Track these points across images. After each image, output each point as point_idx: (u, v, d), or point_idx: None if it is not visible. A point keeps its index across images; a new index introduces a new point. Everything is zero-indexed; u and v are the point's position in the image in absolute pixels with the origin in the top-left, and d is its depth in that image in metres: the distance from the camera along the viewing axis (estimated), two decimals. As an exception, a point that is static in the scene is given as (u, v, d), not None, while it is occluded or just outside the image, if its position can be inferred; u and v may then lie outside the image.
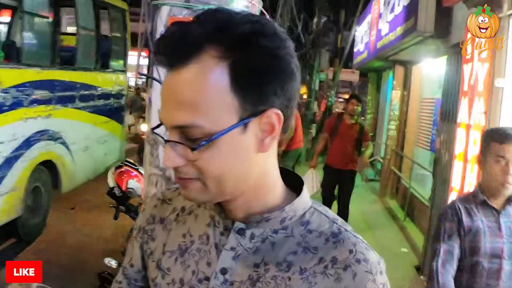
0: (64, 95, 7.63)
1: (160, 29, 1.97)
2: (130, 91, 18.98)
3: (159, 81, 1.89)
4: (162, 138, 1.00)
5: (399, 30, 7.83)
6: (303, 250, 1.05)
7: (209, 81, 0.94)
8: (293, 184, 1.14)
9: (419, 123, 9.98)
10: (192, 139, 0.95)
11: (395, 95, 11.35)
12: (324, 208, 1.13)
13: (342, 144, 7.68)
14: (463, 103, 4.64)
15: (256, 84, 0.95)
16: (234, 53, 0.94)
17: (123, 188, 4.11)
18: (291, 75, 0.98)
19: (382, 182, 11.57)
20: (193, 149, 0.95)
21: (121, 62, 10.60)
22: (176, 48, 0.95)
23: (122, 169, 4.21)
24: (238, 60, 0.94)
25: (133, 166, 4.26)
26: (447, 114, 5.88)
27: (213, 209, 1.11)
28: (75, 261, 5.93)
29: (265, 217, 1.05)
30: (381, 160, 12.76)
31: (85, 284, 4.84)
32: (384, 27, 9.37)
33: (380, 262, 1.05)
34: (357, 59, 14.59)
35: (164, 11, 1.98)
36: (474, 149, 4.36)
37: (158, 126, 1.05)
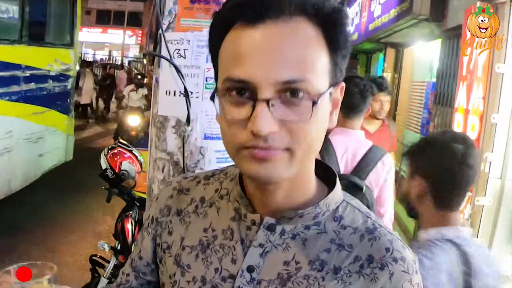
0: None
1: (169, 6, 1.89)
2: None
3: (169, 60, 1.81)
4: (255, 97, 0.87)
5: (393, 12, 7.75)
6: (337, 248, 0.99)
7: (313, 38, 0.89)
8: (324, 175, 1.08)
9: (410, 106, 9.94)
10: (294, 101, 0.87)
11: (386, 77, 11.30)
12: (356, 202, 1.07)
13: None
14: (462, 88, 4.60)
15: (343, 54, 0.94)
16: (321, 20, 0.90)
17: (116, 170, 4.03)
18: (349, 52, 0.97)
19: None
20: (309, 105, 0.87)
21: (66, 35, 8.49)
22: (275, 2, 0.87)
23: (115, 150, 4.11)
24: (330, 30, 0.91)
25: (126, 147, 4.17)
26: (441, 98, 5.86)
27: (240, 201, 1.04)
28: (65, 242, 5.87)
29: (299, 213, 0.99)
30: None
31: (76, 267, 4.78)
32: (377, 9, 9.29)
33: (416, 261, 1.01)
34: (347, 41, 14.51)
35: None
36: (472, 134, 4.35)
37: (214, 94, 0.94)
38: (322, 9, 0.89)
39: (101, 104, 18.84)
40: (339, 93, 0.98)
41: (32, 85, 7.07)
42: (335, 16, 0.91)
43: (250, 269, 0.99)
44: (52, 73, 7.76)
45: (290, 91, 0.86)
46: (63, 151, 8.43)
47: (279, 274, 0.98)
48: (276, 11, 0.86)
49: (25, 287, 0.94)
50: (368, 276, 0.96)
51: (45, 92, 7.56)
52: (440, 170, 1.90)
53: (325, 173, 1.08)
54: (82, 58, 32.52)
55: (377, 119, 4.62)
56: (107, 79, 19.07)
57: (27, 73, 6.88)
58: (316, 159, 1.06)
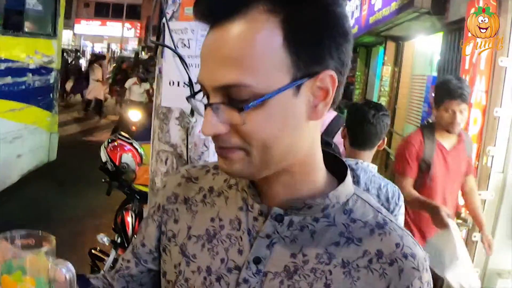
0: None
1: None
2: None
3: (173, 50, 1.78)
4: (202, 102, 0.91)
5: (394, 5, 7.73)
6: (346, 241, 0.96)
7: (259, 35, 0.84)
8: (335, 168, 1.05)
9: (410, 100, 9.94)
10: (238, 101, 0.85)
11: (386, 71, 11.31)
12: (367, 196, 1.04)
13: None
14: (464, 81, 4.59)
15: (311, 41, 0.86)
16: (286, 8, 0.85)
17: (117, 162, 4.01)
18: (346, 35, 0.90)
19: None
20: (240, 110, 0.85)
21: (47, 24, 7.74)
22: (221, 1, 0.86)
23: (116, 143, 4.10)
24: (290, 14, 0.85)
25: (126, 140, 4.16)
26: (442, 92, 5.83)
27: (248, 191, 1.02)
28: (66, 235, 5.86)
29: (308, 203, 0.96)
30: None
31: (76, 260, 4.77)
32: (377, 2, 9.26)
33: (427, 258, 0.97)
34: (347, 34, 14.50)
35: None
36: (475, 128, 4.35)
37: (196, 93, 0.96)
38: None
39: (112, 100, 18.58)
40: (327, 82, 0.89)
41: (9, 79, 6.45)
42: None
43: (257, 260, 0.97)
44: (32, 66, 7.05)
45: (231, 95, 0.86)
46: (46, 150, 7.76)
47: (285, 266, 0.96)
48: (222, 7, 0.86)
49: (20, 257, 0.91)
50: (376, 271, 0.94)
51: (23, 87, 6.86)
52: (353, 123, 2.80)
53: (336, 165, 1.06)
54: (91, 52, 32.53)
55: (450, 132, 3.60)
56: (119, 73, 18.74)
57: (2, 66, 6.27)
58: (327, 151, 1.04)
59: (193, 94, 0.97)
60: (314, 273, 0.94)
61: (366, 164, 2.71)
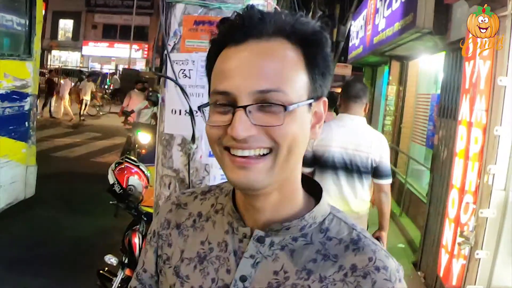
0: None
1: (175, 28, 1.94)
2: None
3: (174, 81, 1.86)
4: (235, 105, 0.98)
5: (397, 25, 7.82)
6: (323, 258, 1.05)
7: (290, 56, 0.99)
8: (311, 189, 1.15)
9: (415, 119, 9.98)
10: (273, 105, 0.97)
11: (391, 90, 11.37)
12: (343, 214, 1.14)
13: None
14: (465, 101, 4.64)
15: (322, 71, 1.03)
16: (305, 45, 1.01)
17: (124, 185, 4.08)
18: (331, 69, 1.06)
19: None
20: (284, 109, 0.96)
21: (20, 44, 6.83)
22: (257, 25, 0.99)
23: (123, 166, 4.17)
24: (308, 49, 1.01)
25: (133, 162, 4.23)
26: (445, 110, 5.89)
27: (232, 215, 1.12)
28: (74, 257, 5.91)
29: (285, 225, 1.06)
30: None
31: (85, 281, 4.82)
32: (381, 23, 9.36)
33: (399, 270, 1.06)
34: (352, 54, 14.58)
35: (179, 9, 1.96)
36: (476, 146, 4.39)
37: (207, 105, 1.04)
38: (301, 32, 1.01)
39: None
40: (322, 108, 1.07)
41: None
42: (313, 38, 1.02)
43: (243, 278, 1.06)
44: (0, 91, 6.13)
45: (266, 99, 0.96)
46: (21, 185, 6.75)
47: (269, 283, 1.05)
48: (257, 33, 0.99)
49: None
50: (351, 284, 1.02)
51: None
52: (344, 92, 4.38)
53: (312, 187, 1.15)
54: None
55: None
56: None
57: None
58: (303, 174, 1.13)
59: (203, 105, 1.05)
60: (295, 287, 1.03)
61: (355, 117, 4.22)
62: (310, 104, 1.02)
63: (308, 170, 4.17)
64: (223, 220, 1.14)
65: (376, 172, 4.13)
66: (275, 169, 0.98)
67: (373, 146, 4.07)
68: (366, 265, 1.03)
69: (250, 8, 1.02)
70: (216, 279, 1.09)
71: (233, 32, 1.00)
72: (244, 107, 0.95)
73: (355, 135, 4.11)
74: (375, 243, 1.07)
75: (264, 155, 0.97)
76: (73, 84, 23.34)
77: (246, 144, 0.96)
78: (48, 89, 21.00)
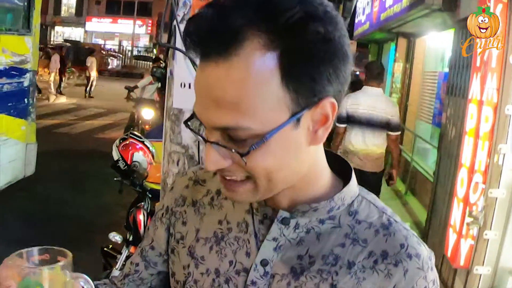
0: None
1: (182, 2, 1.87)
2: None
3: (184, 52, 1.79)
4: (203, 138, 0.89)
5: (405, 2, 7.72)
6: (352, 242, 0.98)
7: (255, 76, 0.81)
8: (340, 169, 1.06)
9: (422, 96, 9.91)
10: (238, 140, 0.85)
11: (398, 67, 11.28)
12: (372, 197, 1.06)
13: None
14: (475, 79, 4.57)
15: (310, 74, 0.83)
16: (283, 41, 0.81)
17: (128, 161, 4.03)
18: (345, 57, 0.86)
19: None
20: (242, 155, 0.85)
21: (18, 18, 6.56)
22: (213, 36, 0.81)
23: (127, 142, 4.11)
24: (288, 49, 0.81)
25: (138, 138, 4.17)
26: (454, 88, 5.82)
27: None
28: (77, 234, 5.89)
29: (313, 207, 0.98)
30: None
31: (89, 258, 4.80)
32: (389, -1, 9.26)
33: (431, 257, 0.99)
34: (358, 30, 14.42)
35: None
36: (486, 125, 4.33)
37: (191, 118, 0.93)
38: (278, 20, 0.81)
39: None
40: (327, 109, 0.88)
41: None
42: (296, 27, 0.82)
43: (264, 262, 0.99)
44: None
45: (230, 135, 0.85)
46: (21, 164, 6.64)
47: (292, 268, 0.98)
48: (213, 49, 0.82)
49: (37, 273, 0.91)
50: (382, 272, 0.95)
51: None
52: (367, 71, 6.14)
53: (341, 167, 1.07)
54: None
55: None
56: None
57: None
58: (333, 153, 1.06)
59: (187, 120, 0.96)
60: (321, 274, 0.96)
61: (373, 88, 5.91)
62: (298, 119, 0.86)
63: (343, 125, 5.88)
64: None
65: (388, 126, 5.83)
66: (260, 190, 0.91)
67: (386, 108, 5.83)
68: (398, 252, 0.96)
69: (207, 6, 0.84)
70: (234, 261, 1.02)
71: (192, 45, 0.85)
72: (211, 142, 0.87)
73: (374, 101, 5.82)
74: (406, 228, 1.00)
75: (245, 179, 0.90)
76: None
77: (223, 172, 0.91)
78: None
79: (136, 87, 11.70)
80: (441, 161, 6.11)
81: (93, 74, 21.54)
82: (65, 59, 22.75)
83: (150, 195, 4.09)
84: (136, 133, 4.40)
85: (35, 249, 0.97)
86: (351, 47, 0.91)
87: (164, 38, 2.06)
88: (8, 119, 6.23)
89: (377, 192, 5.91)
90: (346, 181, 1.03)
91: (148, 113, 10.72)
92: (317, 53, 0.83)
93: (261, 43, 0.81)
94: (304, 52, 0.82)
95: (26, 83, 6.59)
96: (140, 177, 4.04)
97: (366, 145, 5.83)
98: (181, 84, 1.93)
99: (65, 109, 17.28)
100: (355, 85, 6.44)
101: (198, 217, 1.11)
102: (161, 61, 13.54)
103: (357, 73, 12.87)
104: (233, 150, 0.85)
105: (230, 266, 1.02)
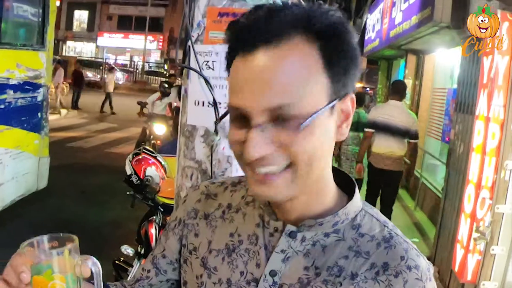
0: None
1: (198, 19, 1.95)
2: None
3: (198, 72, 1.87)
4: (249, 121, 0.93)
5: (414, 19, 7.78)
6: (355, 255, 1.04)
7: (304, 60, 0.91)
8: (344, 183, 1.13)
9: (431, 113, 9.95)
10: (287, 120, 0.91)
11: (407, 84, 11.29)
12: (374, 211, 1.12)
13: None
14: (482, 96, 4.61)
15: (344, 67, 0.95)
16: (319, 40, 0.92)
17: (141, 175, 4.09)
18: (359, 64, 0.99)
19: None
20: (297, 128, 0.90)
21: (33, 34, 6.66)
22: (265, 28, 0.91)
23: (140, 157, 4.18)
24: (327, 44, 0.93)
25: (151, 153, 4.24)
26: (462, 105, 5.85)
27: (264, 209, 1.11)
28: (89, 247, 5.94)
29: (318, 221, 1.04)
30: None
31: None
32: (398, 16, 9.31)
33: (430, 269, 1.05)
34: (368, 47, 14.49)
35: (203, 1, 1.96)
36: (493, 142, 4.37)
37: (224, 115, 1.00)
38: (316, 24, 0.93)
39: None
40: (349, 105, 0.99)
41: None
42: (332, 30, 0.93)
43: (273, 273, 1.05)
44: (12, 82, 5.93)
45: (279, 115, 0.90)
46: (34, 177, 6.66)
47: (299, 278, 1.04)
48: (265, 38, 0.91)
49: (47, 258, 0.99)
50: (383, 283, 1.01)
51: (2, 106, 5.81)
52: (392, 88, 7.39)
53: (344, 181, 1.13)
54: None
55: None
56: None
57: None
58: (335, 168, 1.12)
59: (219, 118, 1.04)
60: (326, 284, 1.02)
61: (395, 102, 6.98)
62: (332, 107, 0.95)
63: (370, 130, 7.08)
64: (254, 213, 1.13)
65: (407, 135, 6.87)
66: (296, 182, 0.95)
67: (404, 119, 6.86)
68: (398, 264, 1.02)
69: (256, 8, 0.95)
70: (245, 272, 1.08)
71: (240, 39, 0.94)
72: (258, 126, 0.91)
73: (394, 111, 6.87)
74: (406, 241, 1.07)
75: (284, 169, 0.94)
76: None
77: (263, 161, 0.93)
78: (75, 81, 21.22)
79: (146, 103, 11.79)
80: (450, 177, 6.13)
81: (111, 89, 21.79)
82: (82, 74, 23.05)
83: (162, 209, 4.15)
84: (148, 148, 4.46)
85: (44, 237, 1.04)
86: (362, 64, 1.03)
87: (178, 54, 2.14)
88: (22, 133, 6.27)
89: (396, 186, 7.40)
90: (349, 195, 1.10)
91: (160, 129, 10.77)
92: (348, 50, 0.95)
93: (308, 35, 0.92)
94: (338, 47, 0.94)
95: (39, 98, 6.66)
96: (152, 191, 4.10)
97: (387, 148, 6.92)
98: (195, 102, 2.00)
99: (77, 123, 17.39)
100: (360, 101, 7.56)
101: (210, 229, 1.18)
102: (176, 78, 13.70)
103: (368, 89, 12.93)
104: (290, 125, 0.91)
105: (241, 277, 1.08)
